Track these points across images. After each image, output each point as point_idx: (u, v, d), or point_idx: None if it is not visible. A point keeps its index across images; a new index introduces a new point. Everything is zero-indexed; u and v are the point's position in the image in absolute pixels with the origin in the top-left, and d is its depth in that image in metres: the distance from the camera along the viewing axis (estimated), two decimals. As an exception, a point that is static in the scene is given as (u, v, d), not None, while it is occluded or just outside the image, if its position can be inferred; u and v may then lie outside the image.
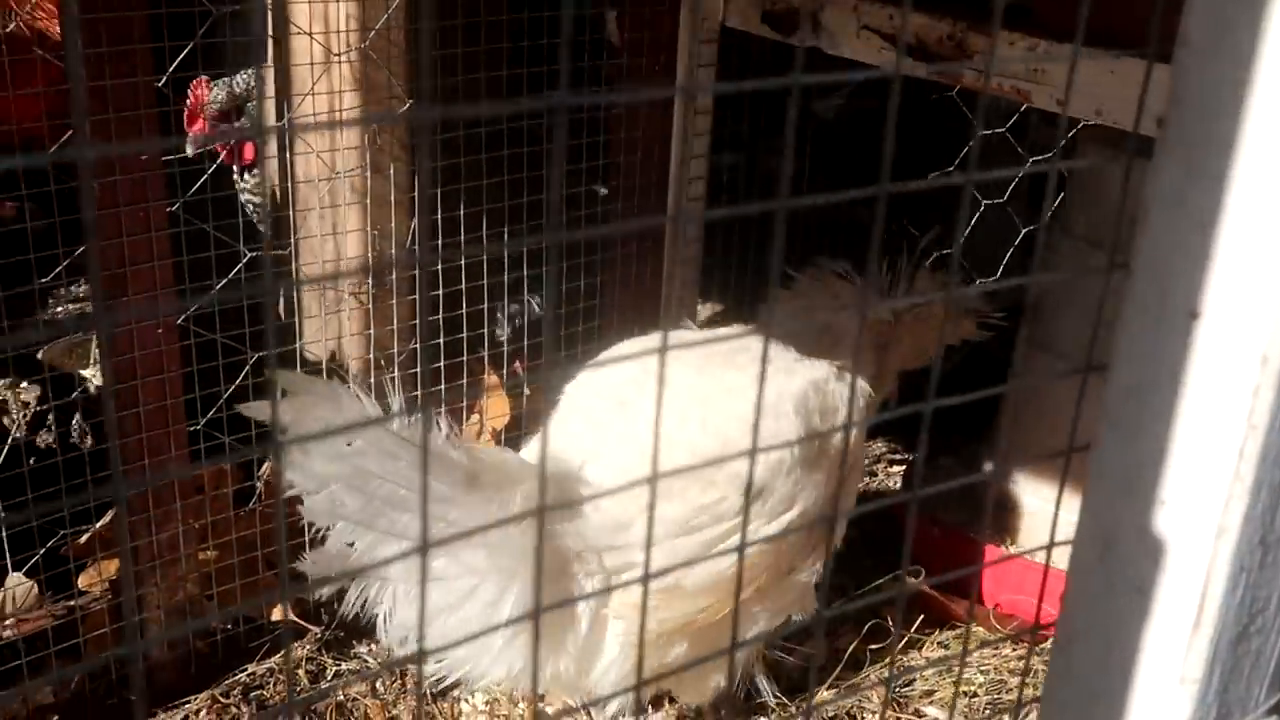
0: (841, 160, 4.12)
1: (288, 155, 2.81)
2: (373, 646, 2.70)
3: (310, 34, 2.61)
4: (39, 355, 3.54)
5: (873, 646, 2.76)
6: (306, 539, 2.62)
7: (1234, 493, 0.77)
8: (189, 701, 2.53)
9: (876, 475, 3.47)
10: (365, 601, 2.17)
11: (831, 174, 4.12)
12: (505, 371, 3.03)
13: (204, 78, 2.80)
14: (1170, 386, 0.78)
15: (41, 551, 2.43)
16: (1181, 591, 0.80)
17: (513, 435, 2.90)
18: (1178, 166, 0.76)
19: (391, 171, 2.75)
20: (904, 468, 3.42)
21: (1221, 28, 0.74)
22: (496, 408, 3.05)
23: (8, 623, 2.44)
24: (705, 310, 3.99)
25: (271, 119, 2.91)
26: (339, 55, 2.64)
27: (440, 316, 2.81)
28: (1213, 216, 0.75)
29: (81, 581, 2.51)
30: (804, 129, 3.97)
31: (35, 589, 2.50)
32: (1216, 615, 0.80)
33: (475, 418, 3.04)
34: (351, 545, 2.05)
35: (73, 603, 2.48)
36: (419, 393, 2.74)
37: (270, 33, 2.89)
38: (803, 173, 4.20)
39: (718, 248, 3.70)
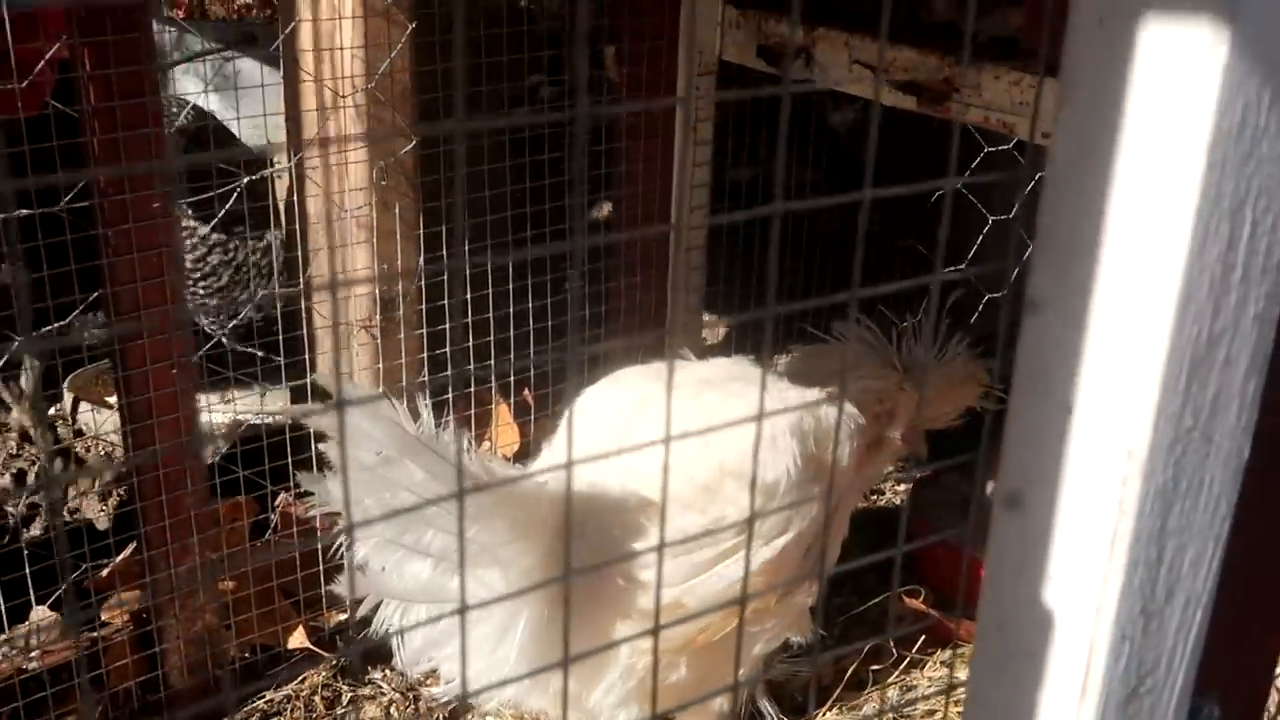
0: (856, 172, 4.18)
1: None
2: (387, 672, 2.77)
3: (318, 80, 2.70)
4: (64, 385, 3.64)
5: (874, 667, 2.81)
6: (322, 568, 2.72)
7: (1110, 570, 0.83)
8: (207, 729, 2.62)
9: (884, 494, 3.52)
10: (385, 624, 2.21)
11: (846, 186, 4.19)
12: (514, 401, 3.12)
13: None
14: (1052, 473, 0.84)
15: (64, 586, 2.52)
16: (1068, 661, 0.86)
17: (522, 463, 2.97)
18: (1050, 268, 0.83)
19: (398, 209, 2.84)
20: (910, 486, 3.47)
21: (1085, 146, 0.80)
22: (506, 436, 3.13)
23: (33, 655, 2.54)
24: (711, 325, 4.04)
25: (283, 161, 3.00)
26: (345, 98, 2.72)
27: (449, 349, 2.89)
28: (1081, 318, 0.81)
29: (104, 614, 2.61)
30: (817, 141, 4.03)
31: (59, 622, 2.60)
32: (1102, 682, 0.86)
33: (486, 445, 3.12)
34: (372, 565, 2.09)
35: (95, 635, 2.58)
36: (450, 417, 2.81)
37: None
38: (817, 184, 4.27)
39: (722, 260, 3.74)
